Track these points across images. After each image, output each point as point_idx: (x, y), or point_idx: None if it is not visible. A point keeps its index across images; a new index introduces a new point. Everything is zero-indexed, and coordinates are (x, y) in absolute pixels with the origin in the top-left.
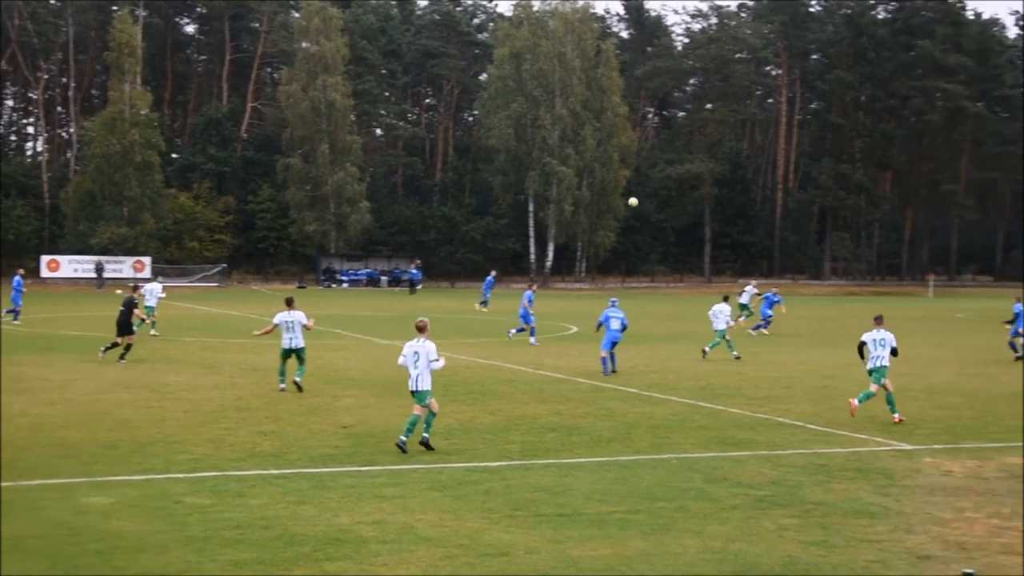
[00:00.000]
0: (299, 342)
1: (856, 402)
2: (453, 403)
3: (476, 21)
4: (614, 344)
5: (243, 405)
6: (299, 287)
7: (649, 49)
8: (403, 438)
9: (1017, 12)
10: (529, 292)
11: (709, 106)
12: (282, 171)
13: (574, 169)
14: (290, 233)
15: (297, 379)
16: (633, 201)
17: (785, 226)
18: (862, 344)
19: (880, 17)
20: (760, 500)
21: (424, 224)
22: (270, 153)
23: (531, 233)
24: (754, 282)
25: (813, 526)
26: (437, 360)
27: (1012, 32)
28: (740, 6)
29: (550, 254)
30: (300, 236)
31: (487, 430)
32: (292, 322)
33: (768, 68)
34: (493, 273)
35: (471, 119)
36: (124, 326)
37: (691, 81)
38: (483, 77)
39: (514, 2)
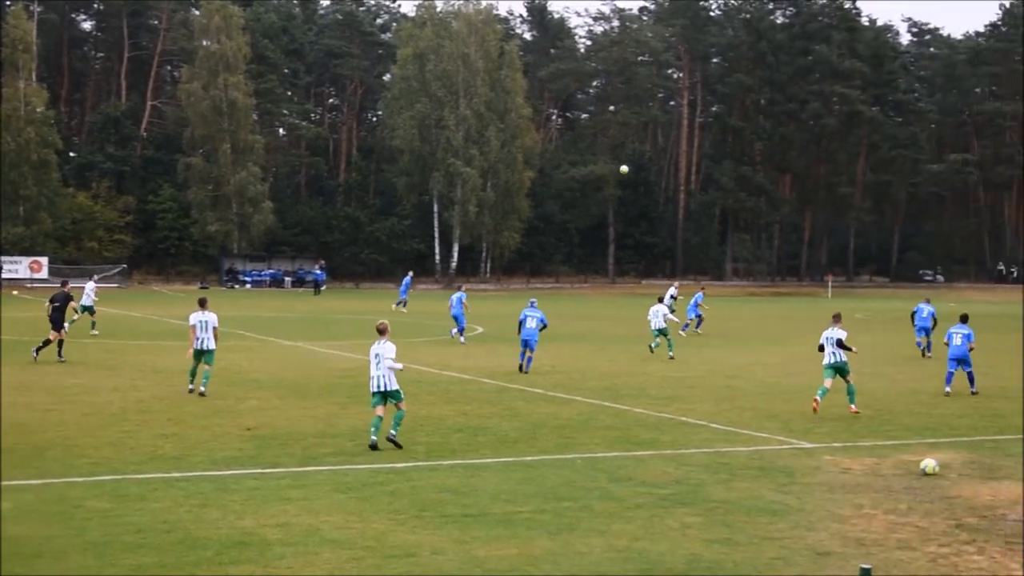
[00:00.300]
0: (209, 344)
1: (818, 398)
2: (359, 405)
3: (379, 21)
4: (529, 344)
5: (144, 407)
6: (201, 287)
7: (552, 51)
8: (373, 439)
9: (910, 19)
10: (462, 293)
11: (612, 108)
12: (183, 170)
13: (478, 170)
14: (192, 233)
15: (202, 387)
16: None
17: (687, 227)
18: (822, 344)
19: (778, 22)
20: (664, 499)
21: (328, 225)
22: (171, 152)
23: (436, 234)
24: (676, 283)
25: (716, 524)
26: (395, 362)
27: (905, 39)
28: (642, 9)
29: (455, 255)
30: (202, 236)
31: None
32: (205, 322)
33: (670, 71)
34: (410, 274)
35: (375, 119)
36: (57, 322)
37: (594, 83)
38: (387, 77)
39: (417, 3)
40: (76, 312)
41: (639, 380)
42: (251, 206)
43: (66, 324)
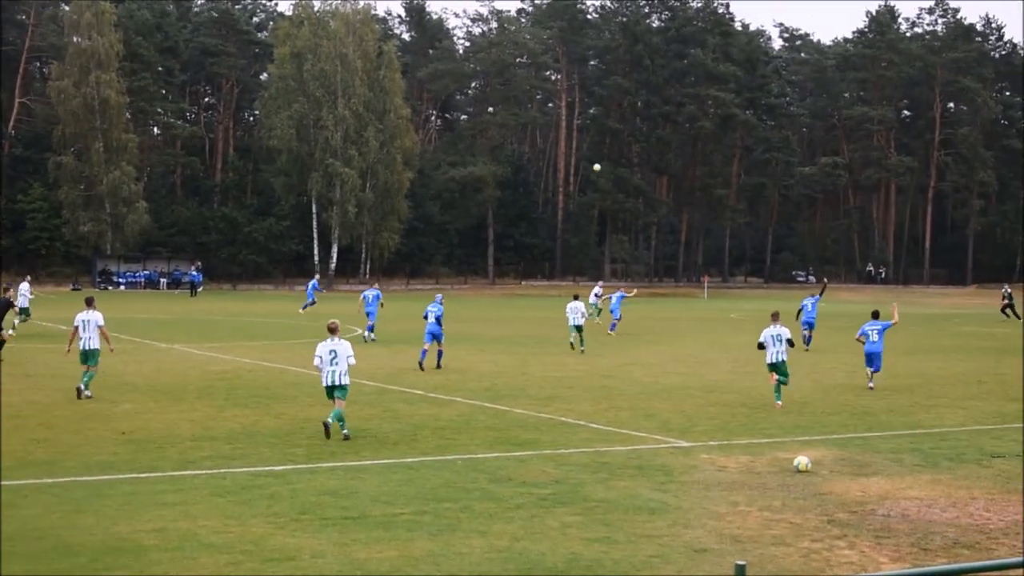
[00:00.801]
0: (92, 343)
1: (778, 403)
2: (236, 407)
3: (256, 20)
4: (434, 337)
5: (15, 412)
6: (73, 289)
7: (431, 51)
8: (340, 426)
9: (781, 25)
10: (377, 291)
11: (491, 109)
12: (54, 169)
13: (357, 171)
14: (63, 234)
15: (80, 385)
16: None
17: (567, 228)
18: (762, 342)
19: (655, 26)
20: (544, 499)
21: (204, 225)
22: (40, 150)
23: (315, 235)
24: (600, 283)
25: (595, 523)
26: (352, 357)
27: (777, 44)
28: (520, 11)
29: (334, 256)
30: (74, 237)
31: (272, 434)
32: (88, 322)
33: (548, 73)
34: (317, 277)
35: (252, 119)
36: None
37: (473, 84)
38: (264, 76)
39: (294, 1)
40: (17, 316)
41: (519, 381)
42: (125, 206)
43: (9, 330)
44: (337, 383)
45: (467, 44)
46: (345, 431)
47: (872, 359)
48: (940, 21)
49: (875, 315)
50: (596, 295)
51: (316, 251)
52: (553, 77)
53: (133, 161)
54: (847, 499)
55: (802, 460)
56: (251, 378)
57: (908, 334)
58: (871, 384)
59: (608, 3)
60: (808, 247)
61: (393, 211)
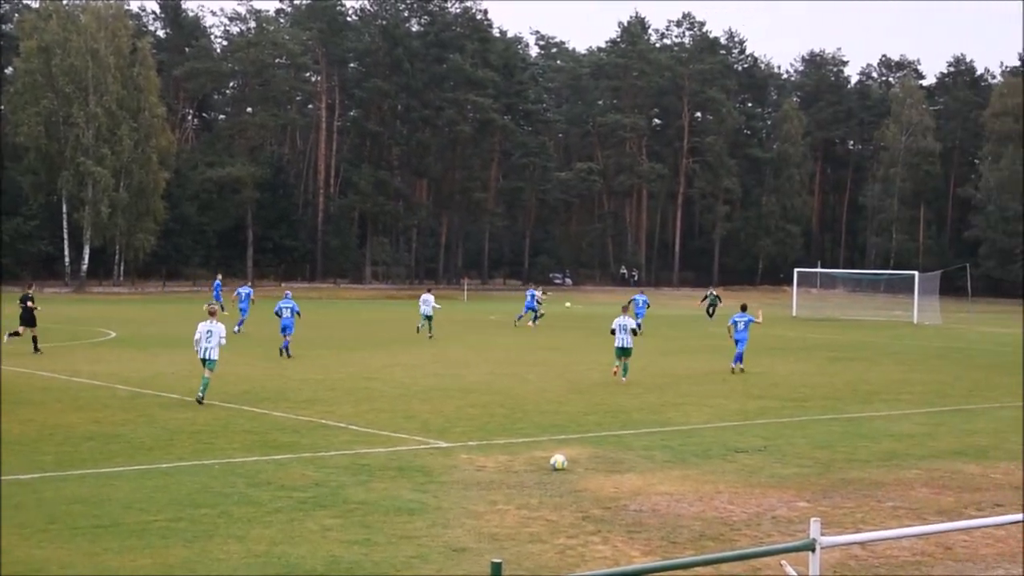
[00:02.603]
0: None
1: (617, 367)
2: None
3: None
4: (285, 330)
5: None
6: None
7: (187, 50)
8: (200, 395)
9: (538, 32)
10: (249, 289)
11: (249, 110)
12: None
13: (111, 170)
14: None
15: None
16: None
17: (327, 230)
18: (613, 328)
19: (414, 30)
20: (303, 502)
21: None
22: None
23: (65, 235)
24: (535, 285)
25: (355, 525)
26: (224, 338)
27: (534, 51)
28: (279, 11)
29: (86, 257)
30: None
31: (17, 441)
32: None
33: (308, 74)
34: (219, 277)
35: None
36: None
37: (231, 84)
38: (9, 70)
39: None
40: None
41: (278, 383)
42: None
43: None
44: (209, 357)
45: (225, 43)
46: (201, 394)
47: (738, 344)
48: (687, 33)
49: (743, 308)
50: (531, 294)
51: (67, 252)
52: (313, 78)
53: None
54: (601, 496)
55: (558, 458)
56: None
57: (659, 335)
58: (735, 366)
59: (368, 6)
60: (564, 250)
61: (148, 212)
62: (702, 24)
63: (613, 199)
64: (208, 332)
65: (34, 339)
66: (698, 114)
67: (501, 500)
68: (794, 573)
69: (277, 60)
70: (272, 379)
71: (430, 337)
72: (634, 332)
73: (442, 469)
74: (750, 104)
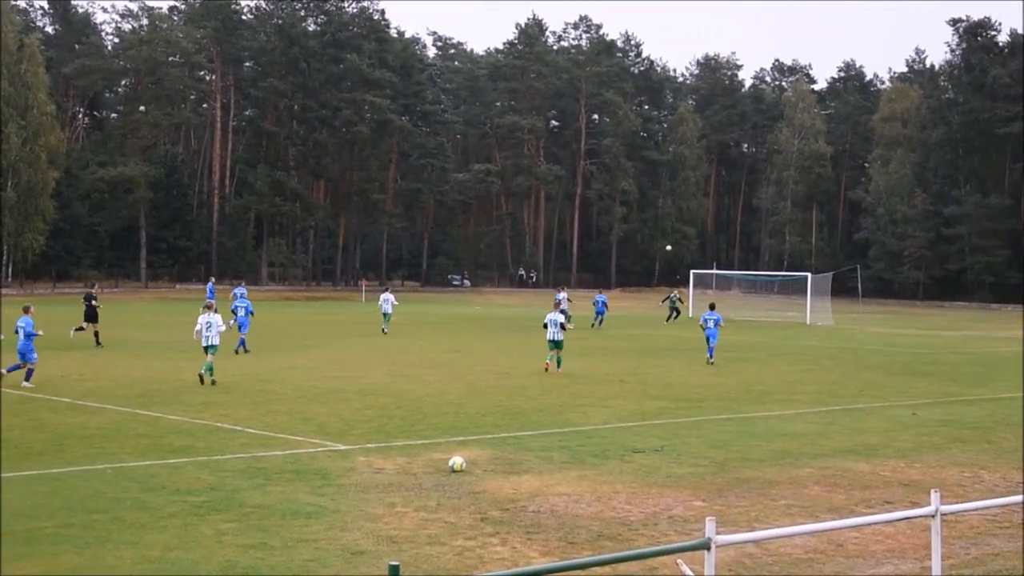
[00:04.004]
0: None
1: (549, 363)
2: None
3: None
4: (241, 326)
5: None
6: None
7: (77, 47)
8: (206, 374)
9: (435, 33)
10: (243, 289)
11: (142, 108)
12: None
13: None
14: None
15: None
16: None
17: (223, 231)
18: (546, 323)
19: (311, 29)
20: (199, 506)
21: None
22: None
23: None
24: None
25: (251, 529)
26: (222, 326)
27: (432, 52)
28: (172, 9)
29: None
30: None
31: None
32: None
33: (203, 73)
34: (212, 280)
35: None
36: None
37: (123, 82)
38: None
39: None
40: None
41: (174, 386)
42: None
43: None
44: (211, 344)
45: (116, 40)
46: (213, 378)
47: (708, 340)
48: (584, 36)
49: (712, 307)
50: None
51: None
52: (208, 77)
53: None
54: (500, 497)
55: (457, 460)
56: None
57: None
58: (711, 360)
59: (263, 4)
60: (463, 252)
61: (37, 211)
62: (599, 27)
63: (511, 200)
64: (207, 323)
65: (96, 334)
66: (595, 116)
67: (399, 502)
68: (690, 572)
69: (171, 58)
70: (168, 382)
71: (384, 332)
72: (563, 327)
73: (340, 472)
74: (646, 107)
